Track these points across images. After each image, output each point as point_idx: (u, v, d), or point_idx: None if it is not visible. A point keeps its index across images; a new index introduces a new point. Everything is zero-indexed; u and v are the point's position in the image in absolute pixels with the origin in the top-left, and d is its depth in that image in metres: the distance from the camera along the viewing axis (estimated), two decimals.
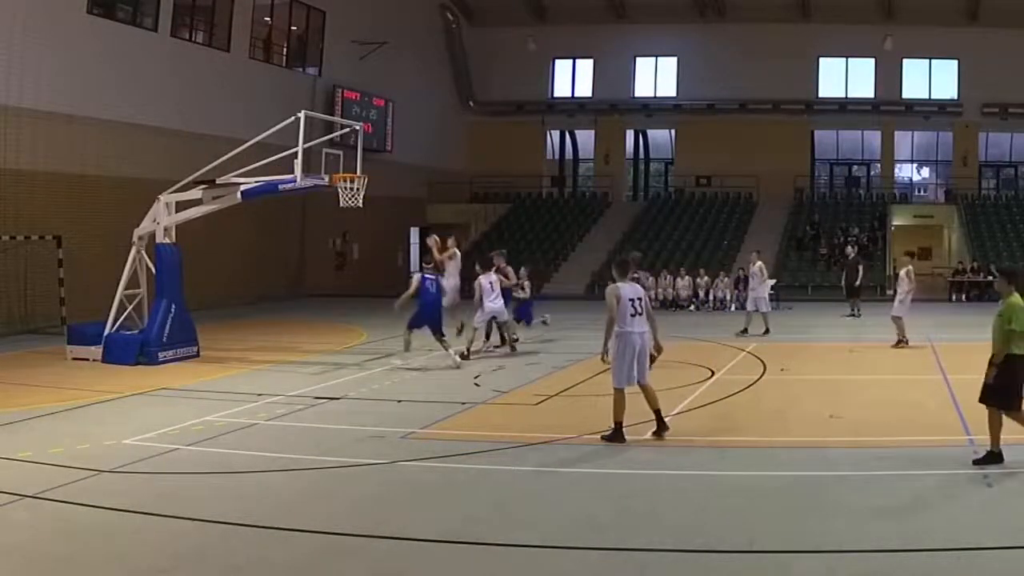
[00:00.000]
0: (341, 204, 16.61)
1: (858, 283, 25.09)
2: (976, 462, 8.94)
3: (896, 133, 40.87)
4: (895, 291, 19.67)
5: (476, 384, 14.22)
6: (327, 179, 16.77)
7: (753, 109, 39.52)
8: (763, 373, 15.00)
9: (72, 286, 21.34)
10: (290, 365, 16.47)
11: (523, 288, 19.12)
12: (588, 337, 19.57)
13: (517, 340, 18.02)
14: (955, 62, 38.88)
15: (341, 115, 30.51)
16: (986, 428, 8.97)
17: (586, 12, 39.88)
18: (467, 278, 18.86)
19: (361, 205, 16.66)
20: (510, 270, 18.56)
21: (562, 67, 42.99)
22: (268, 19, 31.12)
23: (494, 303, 17.06)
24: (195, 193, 16.99)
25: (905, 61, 39.44)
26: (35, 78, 21.77)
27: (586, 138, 43.83)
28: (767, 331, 20.60)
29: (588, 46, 41.26)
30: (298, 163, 16.21)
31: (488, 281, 17.05)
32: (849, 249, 27.81)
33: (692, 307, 28.74)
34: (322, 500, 8.39)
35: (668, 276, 29.62)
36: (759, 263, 21.80)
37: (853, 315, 24.58)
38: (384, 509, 8.10)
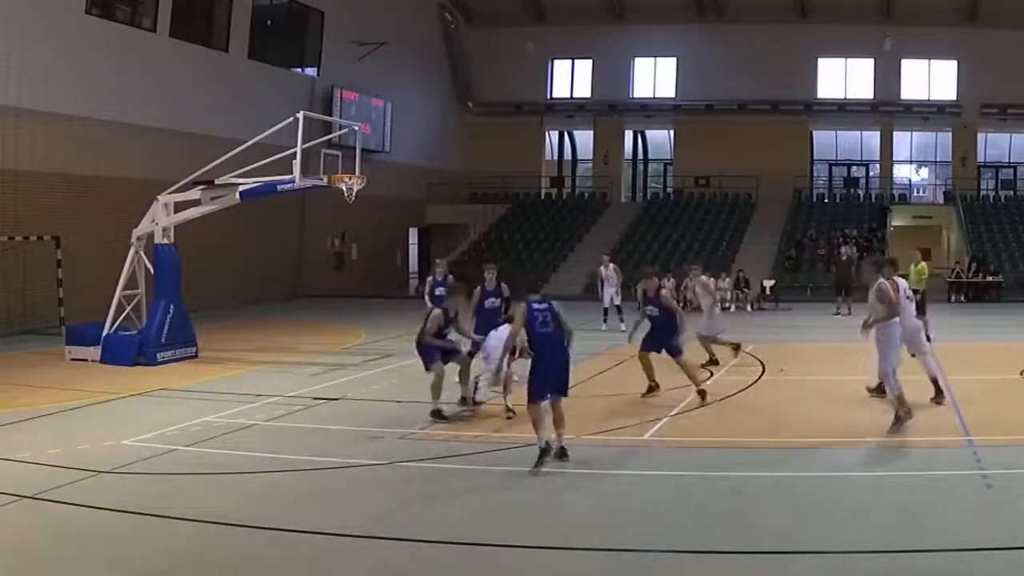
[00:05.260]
0: (351, 200, 16.55)
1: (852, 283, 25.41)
2: None
3: (895, 134, 40.80)
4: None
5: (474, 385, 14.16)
6: (325, 179, 16.76)
7: (752, 110, 39.46)
8: (762, 373, 15.00)
9: (71, 287, 21.30)
10: (289, 366, 16.44)
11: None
12: (582, 338, 19.54)
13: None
14: (954, 63, 38.83)
15: (340, 116, 30.49)
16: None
17: (585, 13, 39.82)
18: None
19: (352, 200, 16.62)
20: None
21: (561, 68, 42.92)
22: (267, 19, 31.08)
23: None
24: (194, 194, 16.98)
25: (904, 62, 39.40)
26: (34, 78, 21.73)
27: (585, 139, 43.76)
28: None
29: (587, 47, 41.20)
30: (296, 164, 16.22)
31: None
32: (845, 249, 27.98)
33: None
34: (321, 500, 8.39)
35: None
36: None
37: (838, 313, 25.06)
38: (383, 509, 8.09)
